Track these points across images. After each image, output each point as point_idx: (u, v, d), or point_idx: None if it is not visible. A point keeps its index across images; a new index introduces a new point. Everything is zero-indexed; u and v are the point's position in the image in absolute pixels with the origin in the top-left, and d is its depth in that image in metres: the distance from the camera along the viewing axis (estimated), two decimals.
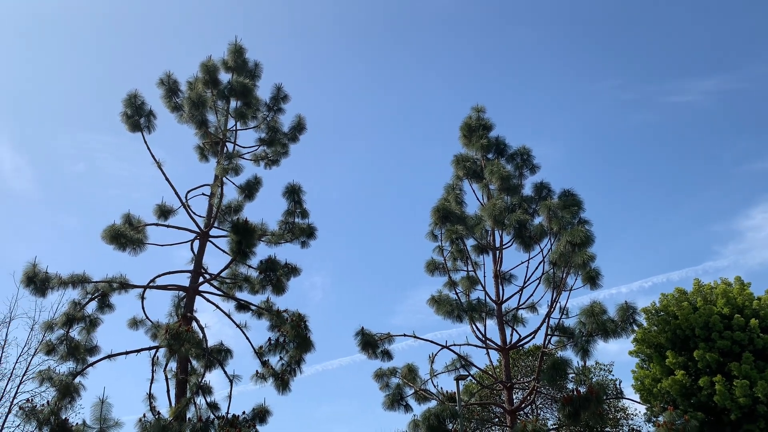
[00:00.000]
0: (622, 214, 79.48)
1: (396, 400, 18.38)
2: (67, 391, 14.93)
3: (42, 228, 72.52)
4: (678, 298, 27.56)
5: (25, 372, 20.43)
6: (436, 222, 18.19)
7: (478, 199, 19.94)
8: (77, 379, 15.55)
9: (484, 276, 18.95)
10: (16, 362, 20.66)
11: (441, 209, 17.96)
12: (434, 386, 18.38)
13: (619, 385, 29.82)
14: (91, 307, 17.05)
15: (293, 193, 19.39)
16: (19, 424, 19.46)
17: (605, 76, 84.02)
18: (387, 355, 18.56)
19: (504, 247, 19.12)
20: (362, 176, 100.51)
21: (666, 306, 27.53)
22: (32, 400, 16.02)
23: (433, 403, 17.46)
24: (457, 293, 18.55)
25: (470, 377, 18.81)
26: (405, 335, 18.25)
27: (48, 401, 14.97)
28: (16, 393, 20.09)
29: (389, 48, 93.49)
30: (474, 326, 17.99)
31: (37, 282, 16.30)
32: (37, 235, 68.39)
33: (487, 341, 18.01)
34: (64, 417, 14.66)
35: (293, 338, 17.48)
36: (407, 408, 18.50)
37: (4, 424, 19.47)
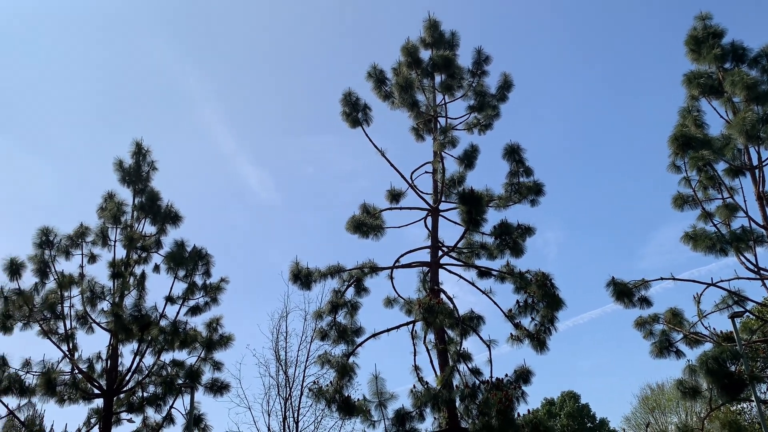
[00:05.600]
0: None
1: (665, 347, 17.30)
2: (345, 371, 16.44)
3: (290, 229, 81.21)
4: None
5: (307, 358, 22.83)
6: (677, 151, 16.60)
7: (721, 116, 17.76)
8: (351, 359, 17.08)
9: (745, 200, 17.01)
10: (298, 350, 23.12)
11: (680, 136, 16.35)
12: (705, 328, 16.95)
13: None
14: (349, 293, 18.61)
15: (513, 152, 18.99)
16: (311, 404, 21.95)
17: None
18: (645, 302, 17.56)
19: (764, 164, 16.84)
20: (581, 121, 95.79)
21: None
22: (318, 381, 18.00)
23: (707, 346, 16.18)
24: (714, 225, 16.83)
25: (747, 313, 16.99)
26: (662, 278, 17.07)
27: (330, 381, 16.66)
28: (304, 377, 22.60)
29: None
30: (742, 257, 16.17)
31: (302, 278, 18.26)
32: (288, 237, 76.74)
33: (761, 271, 16.10)
34: (346, 394, 16.19)
35: (541, 298, 17.29)
36: (678, 354, 17.35)
37: (299, 404, 22.11)
